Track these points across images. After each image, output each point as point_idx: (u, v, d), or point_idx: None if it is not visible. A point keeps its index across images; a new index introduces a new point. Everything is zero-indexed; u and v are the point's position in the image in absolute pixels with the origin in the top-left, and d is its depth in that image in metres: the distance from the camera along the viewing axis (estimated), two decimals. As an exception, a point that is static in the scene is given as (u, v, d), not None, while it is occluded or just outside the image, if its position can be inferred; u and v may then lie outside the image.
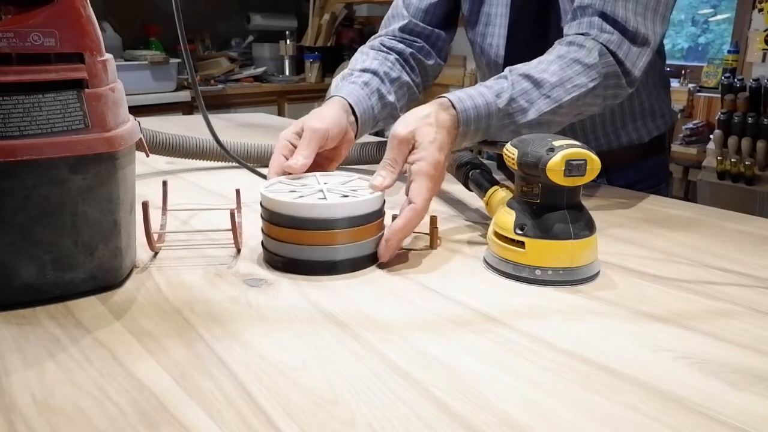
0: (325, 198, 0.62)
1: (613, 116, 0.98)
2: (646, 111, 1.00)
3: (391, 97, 0.91)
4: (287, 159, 0.71)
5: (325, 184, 0.66)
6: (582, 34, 0.79)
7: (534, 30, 0.94)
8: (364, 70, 0.90)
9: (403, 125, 0.67)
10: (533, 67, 0.76)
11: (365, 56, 0.95)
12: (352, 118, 0.82)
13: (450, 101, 0.70)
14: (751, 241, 0.73)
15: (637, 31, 0.78)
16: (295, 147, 0.72)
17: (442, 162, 0.66)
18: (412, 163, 0.65)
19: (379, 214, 0.64)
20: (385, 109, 0.90)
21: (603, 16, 0.78)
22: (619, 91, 0.81)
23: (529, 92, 0.74)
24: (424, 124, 0.67)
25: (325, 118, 0.76)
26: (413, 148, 0.66)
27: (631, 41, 0.79)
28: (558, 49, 0.79)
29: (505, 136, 0.74)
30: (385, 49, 0.98)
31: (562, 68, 0.76)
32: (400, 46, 0.98)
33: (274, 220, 0.61)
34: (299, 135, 0.74)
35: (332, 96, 0.83)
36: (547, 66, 0.76)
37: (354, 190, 0.64)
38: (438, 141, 0.66)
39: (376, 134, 1.22)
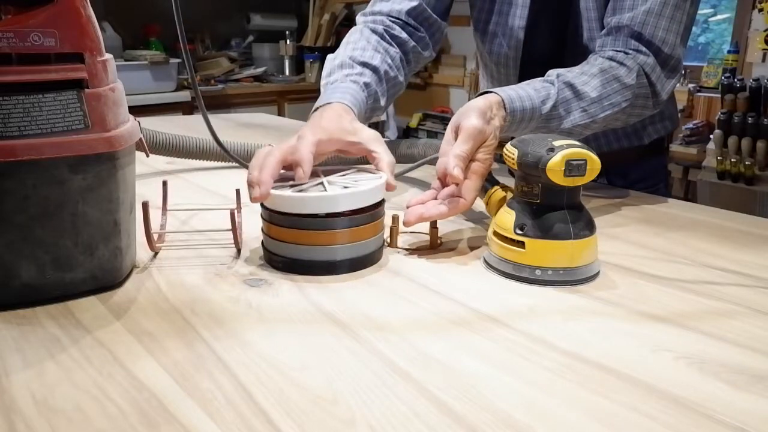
0: (325, 190, 0.62)
1: None
2: (654, 116, 1.00)
3: (383, 101, 0.89)
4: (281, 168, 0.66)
5: (324, 177, 0.66)
6: (622, 52, 0.81)
7: (550, 32, 0.93)
8: (365, 65, 0.87)
9: (479, 120, 0.67)
10: (577, 76, 0.78)
11: (366, 43, 0.90)
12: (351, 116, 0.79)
13: (503, 101, 0.72)
14: (751, 241, 0.73)
15: (671, 56, 0.81)
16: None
17: (488, 132, 0.68)
18: (471, 160, 0.67)
19: (382, 203, 0.64)
20: (374, 111, 0.88)
21: (639, 37, 0.80)
22: (645, 111, 0.83)
23: (569, 102, 0.77)
24: (489, 124, 0.68)
25: (322, 130, 0.69)
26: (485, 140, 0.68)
27: (663, 65, 0.81)
28: (600, 62, 0.80)
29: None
30: (388, 38, 0.93)
31: (603, 84, 0.78)
32: (404, 36, 0.94)
33: (274, 220, 0.61)
34: (281, 162, 0.65)
35: (331, 103, 0.76)
36: (589, 79, 0.78)
37: (355, 181, 0.64)
38: (494, 145, 0.68)
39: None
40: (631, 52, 0.80)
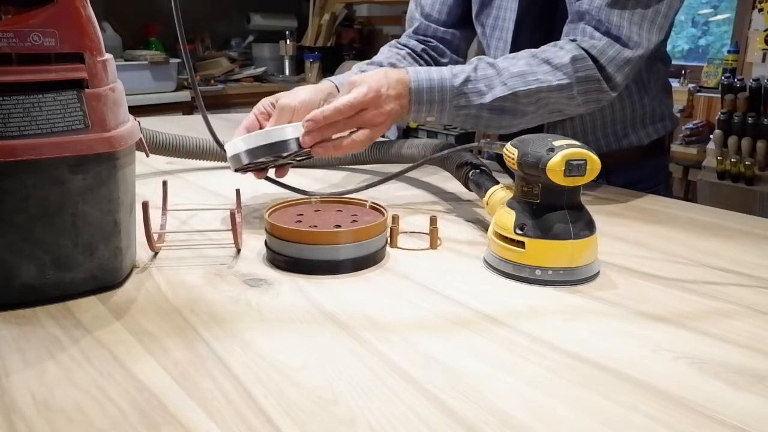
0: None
1: (615, 120, 0.98)
2: (647, 116, 1.00)
3: None
4: (259, 123, 0.80)
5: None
6: (568, 39, 0.82)
7: (541, 25, 0.95)
8: (371, 63, 0.96)
9: (358, 75, 0.76)
10: (503, 59, 0.80)
11: (378, 53, 1.02)
12: (311, 97, 0.84)
13: (406, 70, 0.77)
14: (751, 241, 0.73)
15: (629, 38, 0.80)
16: (268, 115, 0.80)
17: (384, 94, 0.73)
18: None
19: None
20: None
21: (598, 23, 0.80)
22: (601, 95, 0.82)
23: (490, 78, 0.79)
24: (375, 73, 0.76)
25: (298, 96, 0.80)
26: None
27: (621, 47, 0.80)
28: (537, 49, 0.82)
29: (470, 122, 0.80)
30: (399, 45, 1.03)
31: (528, 64, 0.79)
32: (413, 43, 1.04)
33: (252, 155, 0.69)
34: (265, 106, 0.81)
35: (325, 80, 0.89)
36: (516, 60, 0.80)
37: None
38: (380, 80, 0.74)
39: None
40: (578, 37, 0.81)
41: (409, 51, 1.02)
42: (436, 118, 0.79)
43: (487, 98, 0.78)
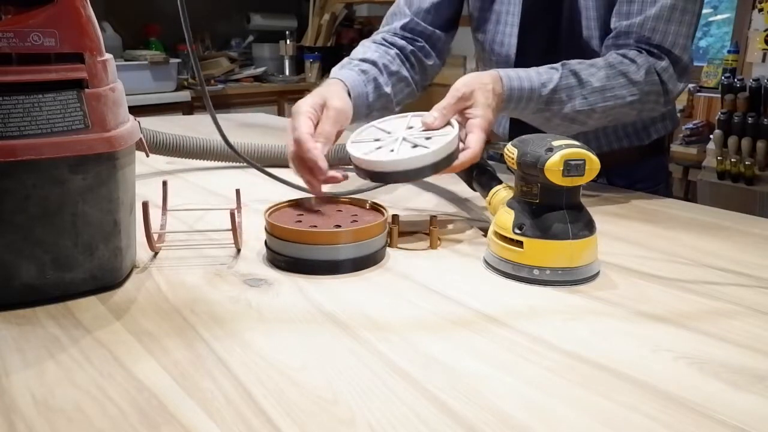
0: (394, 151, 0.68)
1: None
2: (654, 116, 1.00)
3: (388, 89, 0.92)
4: (313, 124, 0.74)
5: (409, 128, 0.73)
6: (635, 50, 0.83)
7: (546, 28, 0.95)
8: (364, 60, 0.92)
9: (465, 84, 0.74)
10: (584, 67, 0.81)
11: (366, 48, 0.97)
12: (350, 102, 0.82)
13: (500, 77, 0.77)
14: (751, 241, 0.73)
15: (680, 57, 0.83)
16: (316, 119, 0.75)
17: (492, 124, 0.75)
18: (469, 117, 0.73)
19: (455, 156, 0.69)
20: (380, 99, 0.91)
21: (648, 41, 0.83)
22: (657, 107, 0.86)
23: (572, 88, 0.80)
24: (484, 89, 0.74)
25: (344, 98, 0.79)
26: (470, 106, 0.73)
27: (674, 65, 0.83)
28: (612, 57, 0.83)
29: (537, 121, 0.82)
30: (386, 43, 0.99)
31: (608, 77, 0.81)
32: (401, 42, 0.99)
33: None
34: (316, 108, 0.76)
35: (332, 78, 0.85)
36: (596, 70, 0.81)
37: (428, 138, 0.69)
38: (492, 107, 0.74)
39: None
40: (643, 51, 0.83)
41: (398, 51, 0.98)
42: (507, 114, 0.81)
43: (567, 109, 0.80)
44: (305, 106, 0.75)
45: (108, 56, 0.54)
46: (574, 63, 0.81)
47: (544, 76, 0.79)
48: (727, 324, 0.52)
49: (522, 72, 0.79)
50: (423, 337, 0.49)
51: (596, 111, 0.81)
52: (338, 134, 0.78)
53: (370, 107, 0.89)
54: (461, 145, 0.71)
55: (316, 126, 0.74)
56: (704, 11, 0.90)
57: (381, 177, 0.68)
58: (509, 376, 0.44)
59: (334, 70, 0.90)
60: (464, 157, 0.70)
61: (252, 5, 3.63)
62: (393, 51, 0.97)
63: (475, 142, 0.71)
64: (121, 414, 0.39)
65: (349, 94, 0.83)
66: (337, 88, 0.81)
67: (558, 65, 0.81)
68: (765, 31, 2.62)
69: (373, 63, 0.92)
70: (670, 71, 0.83)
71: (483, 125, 0.72)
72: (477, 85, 0.74)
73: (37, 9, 0.49)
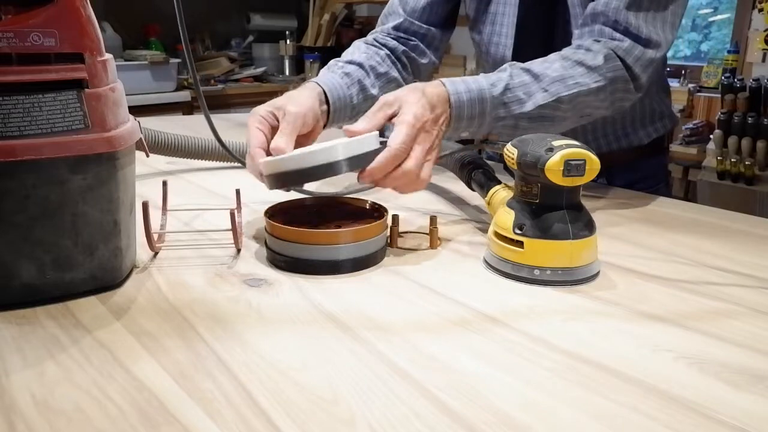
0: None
1: (615, 120, 0.98)
2: (646, 115, 1.00)
3: (375, 91, 0.90)
4: (264, 135, 0.71)
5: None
6: (592, 40, 0.80)
7: (541, 29, 0.94)
8: (350, 62, 0.91)
9: (393, 93, 0.70)
10: (536, 63, 0.77)
11: (355, 49, 0.96)
12: (324, 107, 0.81)
13: (442, 82, 0.72)
14: (751, 241, 0.73)
15: (649, 39, 0.79)
16: (270, 125, 0.73)
17: (429, 119, 0.68)
18: (394, 122, 0.68)
19: (377, 153, 0.65)
20: (367, 101, 0.89)
21: (615, 24, 0.79)
22: (627, 95, 0.82)
23: (528, 85, 0.75)
24: (410, 92, 0.70)
25: (303, 103, 0.76)
26: (397, 110, 0.69)
27: (643, 48, 0.79)
28: (565, 51, 0.80)
29: (506, 132, 0.76)
30: (377, 44, 0.98)
31: (564, 67, 0.77)
32: (393, 43, 0.99)
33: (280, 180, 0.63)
34: (273, 115, 0.74)
35: (308, 81, 0.83)
36: (550, 64, 0.77)
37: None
38: (422, 103, 0.68)
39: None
40: (602, 38, 0.80)
41: (388, 53, 0.97)
42: (472, 133, 0.75)
43: (528, 106, 0.75)
44: (260, 112, 0.73)
45: (108, 56, 0.54)
46: (525, 63, 0.78)
47: (492, 77, 0.75)
48: (728, 324, 0.52)
49: (468, 77, 0.74)
50: (423, 337, 0.49)
51: (562, 102, 0.76)
52: (311, 136, 0.77)
53: (355, 109, 0.88)
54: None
55: (275, 129, 0.72)
56: (704, 11, 0.89)
57: (292, 178, 0.63)
58: (509, 376, 0.44)
59: (321, 73, 0.89)
60: (384, 153, 0.65)
61: (252, 5, 3.63)
62: (383, 52, 0.96)
63: (393, 137, 0.66)
64: (121, 414, 0.39)
65: (327, 99, 0.81)
66: (304, 93, 0.79)
67: (506, 65, 0.78)
68: (765, 31, 2.63)
69: (360, 65, 0.90)
70: (636, 54, 0.78)
71: (406, 119, 0.67)
72: (406, 90, 0.70)
73: (37, 9, 0.49)
